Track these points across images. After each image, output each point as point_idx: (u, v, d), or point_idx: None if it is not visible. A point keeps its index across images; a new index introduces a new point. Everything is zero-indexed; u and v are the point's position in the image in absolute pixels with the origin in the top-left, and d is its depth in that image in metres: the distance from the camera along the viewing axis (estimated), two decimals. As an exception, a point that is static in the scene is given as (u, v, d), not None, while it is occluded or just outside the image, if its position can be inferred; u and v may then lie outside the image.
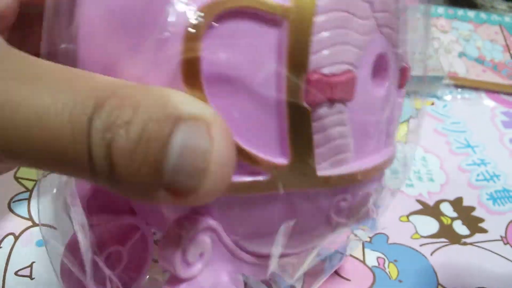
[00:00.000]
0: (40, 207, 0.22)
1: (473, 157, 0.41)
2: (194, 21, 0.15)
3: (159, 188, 0.12)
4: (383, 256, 0.34)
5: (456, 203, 0.38)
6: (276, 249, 0.20)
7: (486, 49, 0.50)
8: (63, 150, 0.11)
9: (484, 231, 0.36)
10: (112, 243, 0.22)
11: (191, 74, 0.15)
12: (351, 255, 0.33)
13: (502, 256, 0.34)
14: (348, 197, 0.20)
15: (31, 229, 0.32)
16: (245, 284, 0.22)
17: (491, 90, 0.47)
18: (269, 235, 0.20)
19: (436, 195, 0.38)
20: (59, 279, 0.22)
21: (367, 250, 0.34)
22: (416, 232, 0.35)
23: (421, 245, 0.34)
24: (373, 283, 0.32)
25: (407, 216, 0.36)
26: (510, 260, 0.34)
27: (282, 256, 0.20)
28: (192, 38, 0.15)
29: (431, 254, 0.34)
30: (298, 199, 0.19)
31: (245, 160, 0.17)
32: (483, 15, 0.54)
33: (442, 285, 0.32)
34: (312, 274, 0.25)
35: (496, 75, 0.48)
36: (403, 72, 0.21)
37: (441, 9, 0.54)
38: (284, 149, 0.17)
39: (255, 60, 0.16)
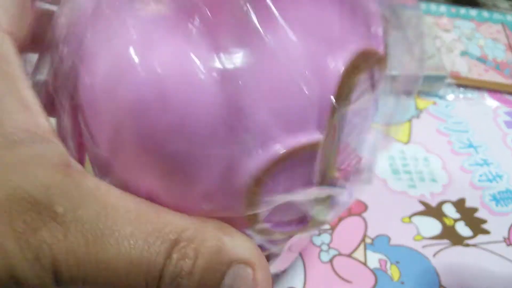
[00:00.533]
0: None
1: (476, 157, 0.41)
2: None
3: None
4: (385, 257, 0.33)
5: (459, 204, 0.37)
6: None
7: (488, 47, 0.50)
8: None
9: (487, 232, 0.36)
10: None
11: (252, 202, 0.18)
12: (351, 257, 0.33)
13: (505, 258, 0.34)
14: None
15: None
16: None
17: (494, 89, 0.47)
18: None
19: (439, 196, 0.38)
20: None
21: (368, 252, 0.33)
22: (419, 234, 0.35)
23: (423, 247, 0.34)
24: (374, 285, 0.32)
25: (409, 217, 0.36)
26: (513, 262, 0.34)
27: None
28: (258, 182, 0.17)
29: (434, 256, 0.34)
30: None
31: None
32: (485, 13, 0.54)
33: (444, 287, 0.32)
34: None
35: (498, 74, 0.48)
36: None
37: (443, 8, 0.54)
38: None
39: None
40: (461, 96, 0.46)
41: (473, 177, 0.39)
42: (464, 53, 0.49)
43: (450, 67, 0.47)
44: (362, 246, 0.34)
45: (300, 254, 0.33)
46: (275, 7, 0.17)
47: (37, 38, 0.19)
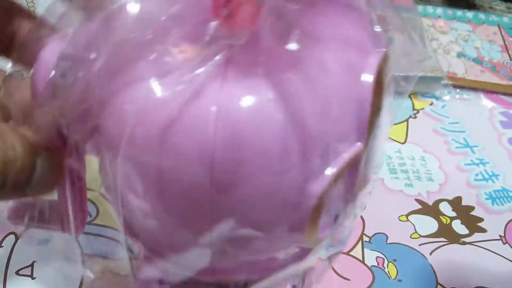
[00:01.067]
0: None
1: (472, 157, 0.41)
2: None
3: None
4: (382, 255, 0.34)
5: (455, 203, 0.38)
6: None
7: (484, 49, 0.51)
8: None
9: (483, 230, 0.36)
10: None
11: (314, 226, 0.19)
12: (349, 255, 0.33)
13: (501, 256, 0.35)
14: None
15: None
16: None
17: (490, 90, 0.48)
18: None
19: (435, 194, 0.38)
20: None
21: (366, 250, 0.34)
22: (415, 232, 0.35)
23: (420, 245, 0.35)
24: (372, 283, 0.32)
25: (406, 215, 0.36)
26: (509, 259, 0.34)
27: None
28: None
29: (430, 254, 0.34)
30: None
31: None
32: (481, 15, 0.55)
33: (441, 284, 0.32)
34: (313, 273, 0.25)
35: (494, 75, 0.48)
36: None
37: (439, 10, 0.54)
38: None
39: None
40: (457, 96, 0.47)
41: (469, 176, 0.40)
42: (460, 55, 0.50)
43: (446, 68, 0.48)
44: (360, 244, 0.34)
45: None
46: (314, 30, 0.17)
47: None
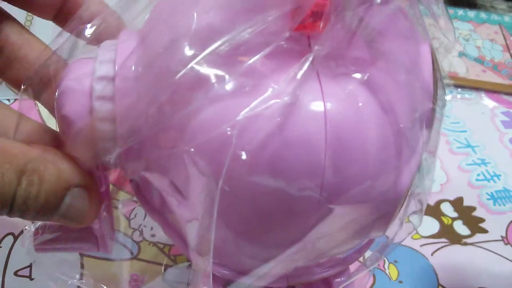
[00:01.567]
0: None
1: (473, 157, 0.41)
2: None
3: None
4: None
5: (457, 203, 0.38)
6: None
7: (486, 48, 0.50)
8: None
9: (484, 231, 0.36)
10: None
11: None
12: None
13: (503, 256, 0.34)
14: None
15: (31, 229, 0.32)
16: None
17: (491, 90, 0.47)
18: None
19: (437, 195, 0.38)
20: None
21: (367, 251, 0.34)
22: (417, 232, 0.35)
23: (421, 246, 0.34)
24: (373, 284, 0.32)
25: (408, 216, 0.36)
26: (510, 260, 0.34)
27: None
28: None
29: (432, 255, 0.34)
30: None
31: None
32: (483, 14, 0.54)
33: (442, 286, 0.32)
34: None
35: (496, 75, 0.48)
36: None
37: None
38: None
39: None
40: (459, 96, 0.47)
41: (471, 177, 0.40)
42: (462, 54, 0.49)
43: (447, 68, 0.47)
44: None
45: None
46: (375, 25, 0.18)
47: None
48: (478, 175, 0.40)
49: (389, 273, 0.33)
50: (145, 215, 0.34)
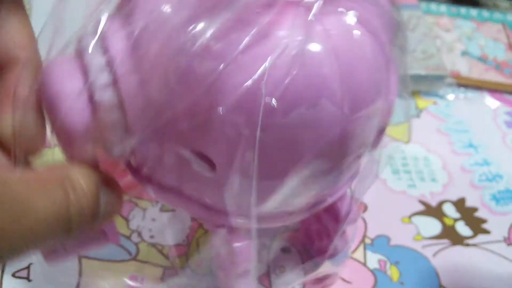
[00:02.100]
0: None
1: (476, 157, 0.41)
2: None
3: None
4: (384, 258, 0.33)
5: (459, 204, 0.37)
6: None
7: (488, 47, 0.50)
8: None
9: (487, 232, 0.36)
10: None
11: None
12: (351, 257, 0.33)
13: (505, 257, 0.34)
14: None
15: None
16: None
17: (494, 89, 0.47)
18: None
19: (439, 195, 0.38)
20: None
21: (368, 252, 0.33)
22: (419, 234, 0.35)
23: (423, 247, 0.34)
24: (374, 286, 0.32)
25: (409, 217, 0.36)
26: (513, 262, 0.34)
27: None
28: None
29: (434, 256, 0.34)
30: None
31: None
32: (485, 13, 0.54)
33: (444, 287, 0.32)
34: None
35: (499, 74, 0.47)
36: None
37: (443, 7, 0.54)
38: None
39: None
40: (461, 95, 0.46)
41: (473, 177, 0.39)
42: (464, 53, 0.49)
43: (450, 67, 0.47)
44: (361, 247, 0.34)
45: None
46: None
47: None
48: (481, 175, 0.39)
49: (391, 274, 0.32)
50: (144, 216, 0.33)
